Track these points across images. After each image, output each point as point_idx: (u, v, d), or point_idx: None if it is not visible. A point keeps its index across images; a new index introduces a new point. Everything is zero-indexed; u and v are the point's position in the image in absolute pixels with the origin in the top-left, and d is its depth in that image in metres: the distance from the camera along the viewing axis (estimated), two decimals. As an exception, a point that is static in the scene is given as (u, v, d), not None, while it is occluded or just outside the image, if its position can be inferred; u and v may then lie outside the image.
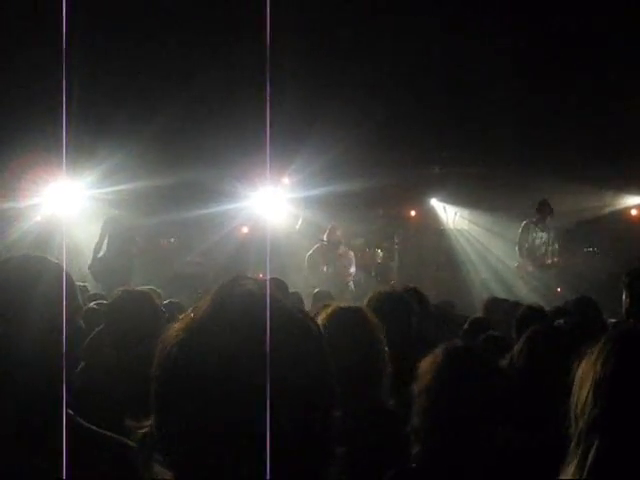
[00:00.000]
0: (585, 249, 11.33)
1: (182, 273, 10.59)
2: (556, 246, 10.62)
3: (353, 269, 10.64)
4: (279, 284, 5.73)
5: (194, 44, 8.17)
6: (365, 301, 3.99)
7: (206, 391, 1.07)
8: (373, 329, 2.76)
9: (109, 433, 1.67)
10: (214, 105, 9.18)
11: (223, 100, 9.04)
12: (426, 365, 2.26)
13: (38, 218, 10.54)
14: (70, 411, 1.64)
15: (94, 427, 1.69)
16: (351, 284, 10.50)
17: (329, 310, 2.76)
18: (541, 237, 10.62)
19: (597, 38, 7.88)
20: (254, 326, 1.10)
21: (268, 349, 1.07)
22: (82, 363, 3.22)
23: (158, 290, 5.86)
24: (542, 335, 2.75)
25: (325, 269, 10.37)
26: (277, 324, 1.10)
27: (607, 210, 12.19)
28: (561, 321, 3.13)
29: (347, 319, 2.72)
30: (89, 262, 9.55)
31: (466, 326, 5.04)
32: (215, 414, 1.06)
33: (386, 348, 2.77)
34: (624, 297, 4.25)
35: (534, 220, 10.63)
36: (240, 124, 8.85)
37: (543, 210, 10.47)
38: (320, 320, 2.56)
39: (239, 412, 1.06)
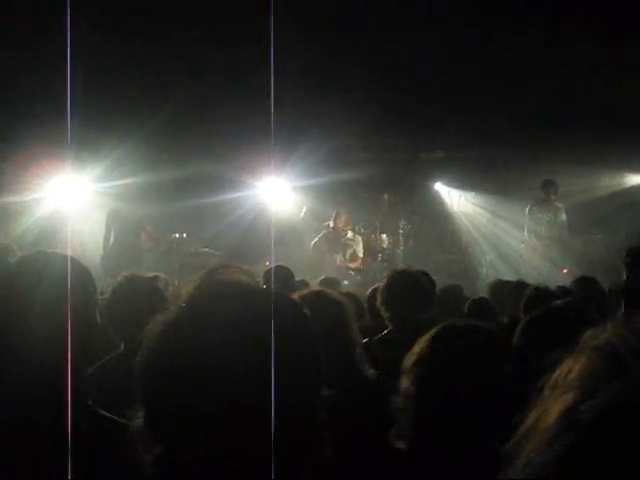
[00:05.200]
0: (592, 229, 11.30)
1: (189, 264, 10.58)
2: (563, 217, 10.58)
3: (361, 254, 10.67)
4: (285, 272, 5.69)
5: (198, 35, 8.15)
6: (384, 281, 4.09)
7: (187, 383, 1.07)
8: (338, 306, 2.96)
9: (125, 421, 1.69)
10: (218, 95, 9.17)
11: (227, 90, 9.03)
12: (422, 341, 2.02)
13: (41, 213, 10.54)
14: (90, 402, 1.65)
15: (114, 416, 1.70)
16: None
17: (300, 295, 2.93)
18: (546, 218, 10.61)
19: (609, 29, 7.78)
20: (237, 314, 1.10)
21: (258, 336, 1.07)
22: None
23: (165, 277, 5.85)
24: (541, 317, 2.73)
25: (335, 257, 10.40)
26: (262, 310, 1.10)
27: (613, 190, 12.14)
28: (558, 302, 3.10)
29: (312, 302, 2.86)
30: (101, 256, 9.56)
31: (466, 310, 5.03)
32: (201, 405, 1.06)
33: (354, 324, 2.99)
34: (625, 276, 4.23)
35: (538, 201, 10.64)
36: (244, 113, 8.85)
37: (548, 189, 10.47)
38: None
39: (226, 400, 1.06)
